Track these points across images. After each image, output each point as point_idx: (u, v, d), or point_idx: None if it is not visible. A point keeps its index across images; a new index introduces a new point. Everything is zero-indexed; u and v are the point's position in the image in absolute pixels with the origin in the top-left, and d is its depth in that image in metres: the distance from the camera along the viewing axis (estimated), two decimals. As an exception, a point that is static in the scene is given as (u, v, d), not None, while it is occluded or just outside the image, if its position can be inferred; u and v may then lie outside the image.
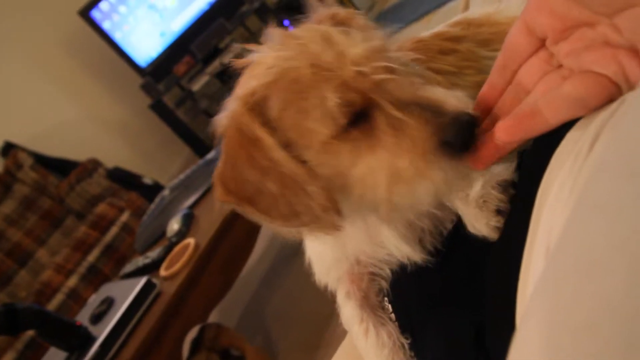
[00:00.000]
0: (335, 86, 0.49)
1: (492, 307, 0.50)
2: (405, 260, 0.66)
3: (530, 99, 0.46)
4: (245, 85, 0.53)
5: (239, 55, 0.60)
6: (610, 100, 0.40)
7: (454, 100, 0.50)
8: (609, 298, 0.22)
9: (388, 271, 0.70)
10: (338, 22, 0.57)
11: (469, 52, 0.77)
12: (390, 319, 0.70)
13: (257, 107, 0.51)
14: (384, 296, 0.72)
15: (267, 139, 0.50)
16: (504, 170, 0.54)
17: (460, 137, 0.48)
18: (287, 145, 0.52)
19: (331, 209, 0.52)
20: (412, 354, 0.66)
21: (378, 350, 0.64)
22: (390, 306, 0.70)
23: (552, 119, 0.42)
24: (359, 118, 0.50)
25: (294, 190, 0.51)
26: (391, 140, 0.49)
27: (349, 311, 0.70)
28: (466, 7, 1.30)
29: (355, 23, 0.58)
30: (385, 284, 0.71)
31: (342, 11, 0.58)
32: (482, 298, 0.52)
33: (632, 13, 0.37)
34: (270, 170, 0.51)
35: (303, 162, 0.52)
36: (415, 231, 0.65)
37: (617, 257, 0.23)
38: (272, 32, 0.56)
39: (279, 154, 0.50)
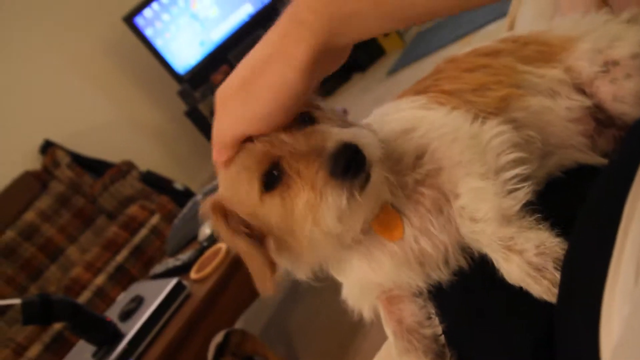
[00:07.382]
0: (253, 161, 0.63)
1: (564, 322, 0.48)
2: (422, 284, 0.69)
3: None
4: (219, 193, 0.70)
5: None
6: None
7: (335, 137, 0.59)
8: None
9: (424, 285, 0.71)
10: None
11: (504, 67, 0.76)
12: (433, 336, 0.70)
13: (220, 208, 0.68)
14: (428, 310, 0.71)
15: (222, 229, 0.67)
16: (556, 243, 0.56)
17: (339, 167, 0.58)
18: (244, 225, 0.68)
19: (268, 276, 0.65)
20: None
21: None
22: (437, 319, 0.70)
23: None
24: (279, 177, 0.62)
25: (250, 257, 0.66)
26: (297, 183, 0.61)
27: (388, 335, 0.74)
28: (511, 27, 1.28)
29: None
30: (426, 294, 0.71)
31: None
32: (539, 312, 0.52)
33: None
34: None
35: (252, 237, 0.67)
36: (422, 255, 0.67)
37: None
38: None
39: (229, 238, 0.67)
